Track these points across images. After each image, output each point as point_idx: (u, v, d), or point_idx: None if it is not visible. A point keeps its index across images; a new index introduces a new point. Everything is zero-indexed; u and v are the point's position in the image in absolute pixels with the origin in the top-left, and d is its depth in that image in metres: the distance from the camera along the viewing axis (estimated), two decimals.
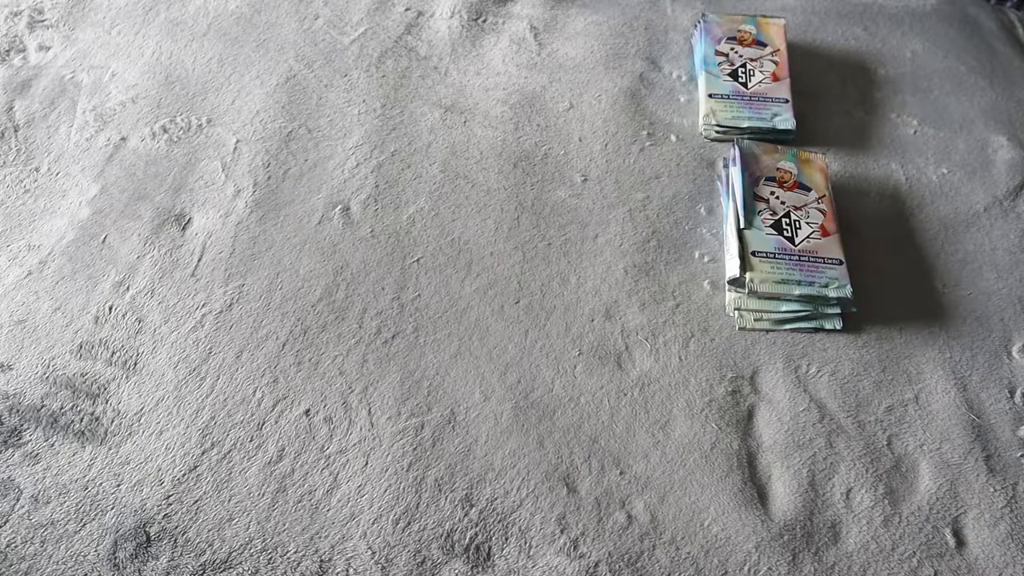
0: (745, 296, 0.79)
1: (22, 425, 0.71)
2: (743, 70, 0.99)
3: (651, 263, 0.83)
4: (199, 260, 0.83)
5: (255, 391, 0.73)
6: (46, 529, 0.65)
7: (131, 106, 0.99)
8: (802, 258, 0.80)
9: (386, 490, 0.67)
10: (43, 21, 1.09)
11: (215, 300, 0.80)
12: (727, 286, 0.81)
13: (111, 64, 1.04)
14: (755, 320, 0.79)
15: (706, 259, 0.84)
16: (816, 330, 0.78)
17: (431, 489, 0.67)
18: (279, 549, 0.64)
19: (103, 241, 0.85)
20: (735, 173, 0.87)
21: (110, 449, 0.69)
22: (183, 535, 0.64)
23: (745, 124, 0.94)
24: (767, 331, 0.78)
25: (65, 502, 0.66)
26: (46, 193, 0.90)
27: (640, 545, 0.65)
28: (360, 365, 0.75)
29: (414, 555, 0.64)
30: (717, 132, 0.95)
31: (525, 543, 0.65)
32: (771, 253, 0.80)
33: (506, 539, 0.65)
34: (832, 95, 1.02)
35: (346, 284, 0.81)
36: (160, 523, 0.65)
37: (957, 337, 0.79)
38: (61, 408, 0.72)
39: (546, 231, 0.86)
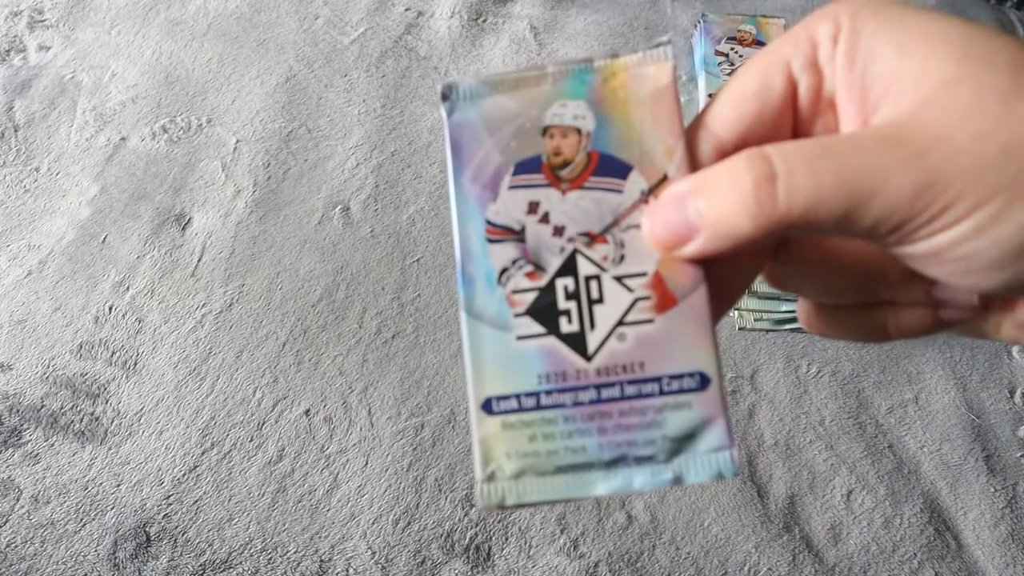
0: (745, 296, 0.79)
1: (22, 425, 0.71)
2: None
3: None
4: (199, 260, 0.83)
5: (255, 391, 0.73)
6: (46, 529, 0.65)
7: (131, 106, 0.99)
8: None
9: (386, 490, 0.67)
10: (43, 21, 1.09)
11: (215, 300, 0.80)
12: None
13: (111, 64, 1.04)
14: (755, 320, 0.79)
15: None
16: None
17: (431, 489, 0.67)
18: (279, 549, 0.64)
19: (103, 241, 0.85)
20: None
21: (110, 449, 0.69)
22: (183, 535, 0.64)
23: None
24: (767, 331, 0.78)
25: (65, 502, 0.66)
26: (46, 193, 0.90)
27: (640, 545, 0.65)
28: (360, 365, 0.75)
29: (414, 555, 0.64)
30: None
31: (525, 543, 0.65)
32: None
33: (506, 539, 0.65)
34: None
35: (346, 284, 0.81)
36: (160, 523, 0.65)
37: (957, 337, 0.79)
38: (61, 408, 0.72)
39: None
